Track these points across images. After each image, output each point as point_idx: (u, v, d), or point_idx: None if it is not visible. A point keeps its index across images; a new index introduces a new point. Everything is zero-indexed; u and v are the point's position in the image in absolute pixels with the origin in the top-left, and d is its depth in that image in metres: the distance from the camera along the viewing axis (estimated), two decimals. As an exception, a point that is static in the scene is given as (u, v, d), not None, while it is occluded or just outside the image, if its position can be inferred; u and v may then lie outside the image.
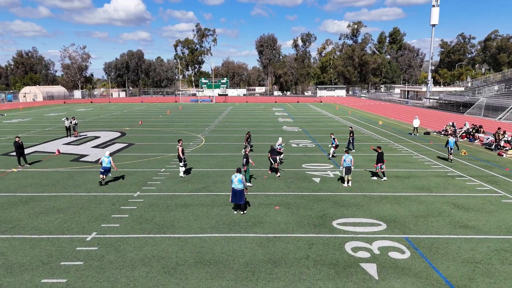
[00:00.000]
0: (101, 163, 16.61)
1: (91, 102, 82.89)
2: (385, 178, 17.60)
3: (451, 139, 21.76)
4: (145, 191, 15.79)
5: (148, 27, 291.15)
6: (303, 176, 18.24)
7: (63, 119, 30.91)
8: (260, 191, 15.72)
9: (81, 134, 32.44)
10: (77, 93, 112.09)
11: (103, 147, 26.07)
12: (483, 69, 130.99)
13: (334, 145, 22.18)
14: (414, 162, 21.48)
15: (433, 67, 74.38)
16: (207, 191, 15.81)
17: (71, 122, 30.51)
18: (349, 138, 24.96)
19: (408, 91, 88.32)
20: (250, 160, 16.58)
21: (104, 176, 16.51)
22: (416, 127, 31.36)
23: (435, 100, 66.93)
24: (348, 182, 16.63)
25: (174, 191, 15.81)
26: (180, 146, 18.06)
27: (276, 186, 16.56)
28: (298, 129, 35.86)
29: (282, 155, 20.21)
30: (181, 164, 18.05)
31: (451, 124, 32.25)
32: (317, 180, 17.52)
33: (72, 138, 30.09)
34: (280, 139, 21.38)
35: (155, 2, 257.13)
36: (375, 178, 17.94)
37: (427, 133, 32.28)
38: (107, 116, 49.61)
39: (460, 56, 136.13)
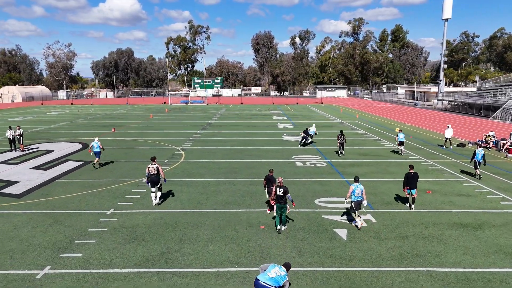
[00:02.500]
0: (91, 147, 19.42)
1: (72, 103, 76.19)
2: (413, 207, 13.43)
3: (479, 151, 17.33)
4: (62, 263, 9.46)
5: (144, 26, 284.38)
6: (319, 225, 11.99)
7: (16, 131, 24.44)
8: (254, 263, 9.45)
9: (32, 146, 26.01)
10: (62, 94, 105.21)
11: (47, 168, 19.67)
12: (491, 68, 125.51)
13: (398, 142, 22.74)
14: (472, 194, 15.27)
15: (445, 66, 68.35)
16: (166, 263, 9.50)
17: (14, 133, 24.05)
18: (304, 136, 25.99)
19: (415, 92, 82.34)
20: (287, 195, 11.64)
21: (98, 159, 19.54)
22: (449, 138, 25.21)
23: (447, 102, 60.99)
24: (357, 220, 11.90)
25: (111, 263, 9.49)
26: (158, 165, 13.94)
27: (279, 249, 10.32)
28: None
29: (310, 140, 26.56)
30: (153, 190, 13.76)
31: (491, 134, 26.14)
32: (343, 234, 11.27)
33: (18, 153, 23.69)
34: (314, 126, 27.23)
35: (150, 1, 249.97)
36: (412, 206, 13.41)
37: (462, 145, 26.13)
38: (79, 122, 43.06)
39: (463, 55, 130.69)
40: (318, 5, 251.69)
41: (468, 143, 27.04)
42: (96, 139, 19.70)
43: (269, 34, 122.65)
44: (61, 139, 29.49)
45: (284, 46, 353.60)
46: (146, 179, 13.95)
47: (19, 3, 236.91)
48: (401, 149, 23.11)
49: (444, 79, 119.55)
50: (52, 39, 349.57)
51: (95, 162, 19.66)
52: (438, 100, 62.45)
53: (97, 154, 19.48)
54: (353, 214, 12.03)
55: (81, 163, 20.92)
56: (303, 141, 26.15)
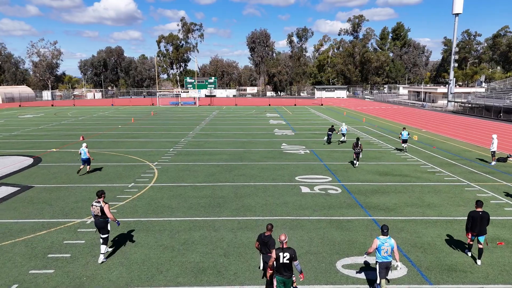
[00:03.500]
0: (80, 154, 18.01)
1: (52, 105, 70.69)
2: (479, 262, 9.23)
3: None
4: None
5: (139, 26, 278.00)
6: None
7: None
8: None
9: (-29, 162, 20.83)
10: (46, 94, 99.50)
11: (-35, 199, 14.55)
12: (498, 68, 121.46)
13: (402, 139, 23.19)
14: None
15: (455, 64, 63.72)
16: None
17: None
18: (328, 134, 26.67)
19: (421, 92, 77.64)
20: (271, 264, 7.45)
21: (83, 166, 18.17)
22: (495, 152, 20.37)
23: (458, 104, 56.34)
24: None
25: None
26: (103, 203, 9.67)
27: None
28: (304, 151, 24.63)
29: (344, 138, 27.19)
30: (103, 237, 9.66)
31: (539, 146, 21.32)
32: None
33: None
34: (345, 125, 27.88)
35: (146, 0, 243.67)
36: (478, 261, 9.07)
37: (502, 160, 21.28)
38: (47, 127, 37.74)
39: (465, 54, 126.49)
40: (314, 5, 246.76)
41: (508, 156, 22.19)
42: (84, 145, 18.28)
43: (265, 32, 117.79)
44: (12, 151, 24.29)
45: (280, 46, 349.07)
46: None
47: (13, 2, 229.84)
48: (405, 147, 23.45)
49: (447, 78, 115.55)
50: (46, 38, 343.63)
51: (81, 168, 18.31)
52: (448, 101, 57.73)
53: (85, 161, 18.18)
54: (381, 282, 7.45)
55: (17, 189, 15.80)
56: (328, 138, 26.97)
